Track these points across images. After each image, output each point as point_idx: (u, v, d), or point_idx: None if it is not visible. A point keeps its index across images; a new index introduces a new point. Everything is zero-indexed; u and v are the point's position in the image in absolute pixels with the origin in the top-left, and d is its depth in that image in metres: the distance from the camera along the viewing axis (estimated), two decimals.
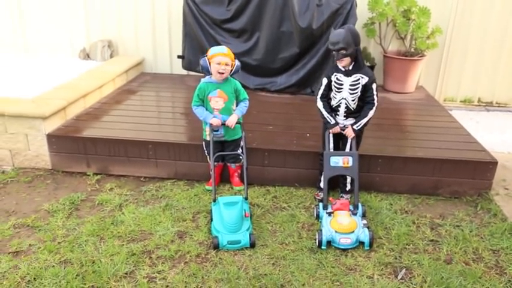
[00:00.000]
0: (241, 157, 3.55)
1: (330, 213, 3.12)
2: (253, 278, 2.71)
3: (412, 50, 5.64)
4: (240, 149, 3.58)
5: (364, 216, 3.23)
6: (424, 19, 5.35)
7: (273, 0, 5.09)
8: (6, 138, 3.99)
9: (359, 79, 3.17)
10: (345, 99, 3.24)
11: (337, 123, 3.31)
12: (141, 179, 3.94)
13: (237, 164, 3.72)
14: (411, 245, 3.08)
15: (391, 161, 3.74)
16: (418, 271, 2.80)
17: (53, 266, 2.80)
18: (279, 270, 2.79)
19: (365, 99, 3.25)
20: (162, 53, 6.19)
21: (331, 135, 3.36)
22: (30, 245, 3.02)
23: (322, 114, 3.32)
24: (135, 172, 3.96)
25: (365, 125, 3.29)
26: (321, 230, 3.00)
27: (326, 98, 3.31)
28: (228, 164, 3.75)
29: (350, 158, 3.26)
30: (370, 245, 2.97)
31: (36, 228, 3.21)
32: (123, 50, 6.25)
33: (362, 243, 3.00)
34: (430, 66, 6.01)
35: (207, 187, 3.71)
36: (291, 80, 5.35)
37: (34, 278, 2.69)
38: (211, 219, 3.13)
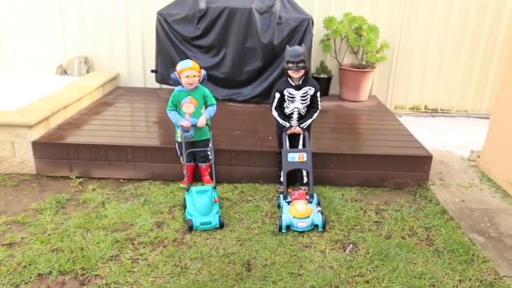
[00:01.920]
0: (209, 155, 4.01)
1: (288, 202, 3.59)
2: (223, 256, 3.16)
3: (364, 62, 6.29)
4: (209, 151, 4.03)
5: (318, 204, 3.74)
6: (373, 35, 6.01)
7: (237, 19, 5.62)
8: None
9: (307, 91, 3.74)
10: (297, 108, 3.81)
11: (291, 126, 3.84)
12: (121, 180, 4.34)
13: (207, 164, 4.16)
14: (358, 226, 3.60)
15: (343, 158, 4.29)
16: (362, 245, 3.32)
17: (45, 253, 3.16)
18: (245, 249, 3.25)
19: (311, 105, 3.83)
20: (136, 68, 6.63)
21: (287, 136, 3.85)
22: (22, 237, 3.36)
23: (278, 121, 3.86)
24: (115, 174, 4.35)
25: (310, 124, 3.87)
26: (280, 216, 3.48)
27: (279, 108, 3.85)
28: (199, 164, 4.19)
29: (304, 154, 3.76)
30: (323, 227, 3.45)
31: (26, 224, 3.55)
32: (99, 65, 6.65)
33: (316, 226, 3.49)
34: (381, 77, 6.69)
35: (181, 185, 4.15)
36: (256, 91, 5.88)
37: (29, 264, 3.04)
38: (185, 207, 3.63)
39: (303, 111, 3.85)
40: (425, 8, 6.38)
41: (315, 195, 3.73)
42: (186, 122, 3.86)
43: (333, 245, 3.32)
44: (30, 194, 4.07)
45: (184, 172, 3.87)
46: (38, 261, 3.07)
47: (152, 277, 2.93)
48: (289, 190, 3.78)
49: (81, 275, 2.96)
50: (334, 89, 6.50)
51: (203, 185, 4.18)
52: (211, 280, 2.90)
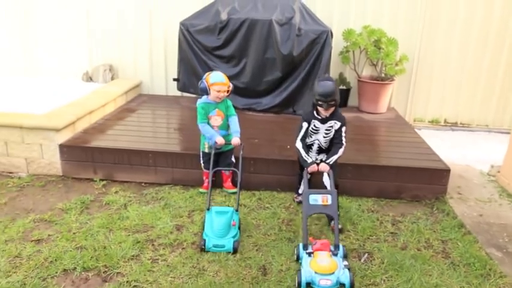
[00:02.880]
0: (233, 162, 4.10)
1: (309, 254, 3.02)
2: (239, 260, 3.24)
3: (383, 75, 6.34)
4: (233, 159, 4.15)
5: (345, 257, 3.12)
6: (392, 48, 6.07)
7: (258, 31, 5.76)
8: (23, 148, 4.51)
9: (332, 125, 3.54)
10: (318, 140, 3.62)
11: (313, 162, 3.51)
12: (142, 184, 4.47)
13: (230, 171, 4.25)
14: (374, 236, 3.64)
15: (360, 168, 4.34)
16: (377, 255, 3.36)
17: (70, 250, 3.29)
18: (262, 254, 3.33)
19: (335, 140, 3.60)
20: (158, 76, 6.82)
21: (307, 174, 3.52)
22: (49, 235, 3.51)
23: (301, 155, 3.56)
24: (137, 178, 4.49)
25: (335, 161, 3.57)
26: (300, 271, 2.92)
27: (304, 140, 3.60)
28: (223, 171, 4.27)
29: (329, 196, 3.22)
30: (351, 286, 2.85)
31: (53, 223, 3.70)
32: (123, 73, 6.87)
33: (342, 284, 2.87)
34: (400, 89, 6.72)
35: (201, 190, 4.25)
36: (275, 100, 5.98)
37: (55, 259, 3.18)
38: (204, 227, 3.45)
39: (323, 145, 3.65)
40: (446, 20, 6.41)
41: (341, 246, 3.13)
42: (221, 139, 3.88)
43: (348, 254, 3.37)
44: (57, 194, 4.23)
45: (209, 180, 3.75)
46: (64, 257, 3.21)
47: (171, 277, 3.03)
48: (311, 239, 3.20)
49: (103, 272, 3.08)
50: (353, 100, 6.56)
51: (222, 190, 4.27)
52: (228, 282, 2.98)
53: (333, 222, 3.48)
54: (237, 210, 3.54)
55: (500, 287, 3.03)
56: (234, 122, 4.07)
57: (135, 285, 2.95)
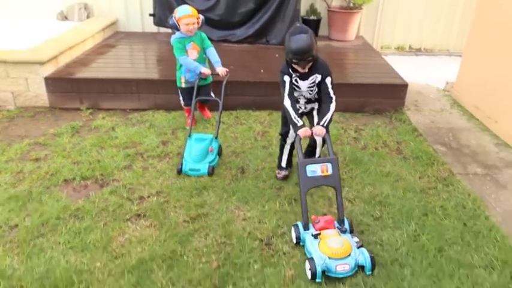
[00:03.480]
0: (218, 100, 3.87)
1: (316, 236, 2.58)
2: (221, 164, 3.69)
3: (351, 4, 6.62)
4: (212, 93, 4.20)
5: (351, 231, 2.75)
6: None
7: None
8: (9, 82, 4.74)
9: (314, 79, 3.01)
10: (303, 96, 3.13)
11: (304, 125, 2.94)
12: (127, 110, 4.81)
13: (206, 104, 4.46)
14: (338, 140, 4.13)
15: None
16: (341, 154, 3.85)
17: (68, 165, 3.68)
18: (240, 159, 3.78)
19: (322, 95, 3.05)
20: (134, 13, 6.93)
21: (299, 139, 2.91)
22: (46, 154, 3.87)
23: (290, 116, 2.95)
24: (122, 105, 4.81)
25: (330, 120, 2.99)
26: (312, 259, 2.46)
27: (293, 95, 3.03)
28: (200, 103, 4.46)
29: (329, 165, 2.73)
30: (372, 268, 2.47)
31: (47, 145, 4.05)
32: (98, 11, 6.95)
33: (361, 267, 2.50)
34: (368, 18, 7.04)
35: (187, 127, 4.27)
36: (248, 31, 6.25)
37: (55, 172, 3.56)
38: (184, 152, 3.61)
39: (312, 98, 3.16)
40: None
41: (346, 220, 2.76)
42: (207, 70, 3.92)
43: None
44: (47, 123, 4.54)
45: (190, 116, 3.93)
46: (62, 170, 3.59)
47: (161, 180, 3.47)
48: (313, 217, 2.71)
49: (100, 180, 3.49)
50: (323, 30, 6.86)
51: (203, 118, 4.55)
52: (212, 180, 3.44)
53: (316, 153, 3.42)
54: (216, 137, 3.68)
55: (440, 171, 3.59)
56: (213, 53, 4.07)
57: (130, 188, 3.38)
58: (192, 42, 3.97)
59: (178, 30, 3.92)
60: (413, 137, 4.20)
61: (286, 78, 3.01)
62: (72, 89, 4.77)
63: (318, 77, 3.01)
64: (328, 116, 2.96)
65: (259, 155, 3.83)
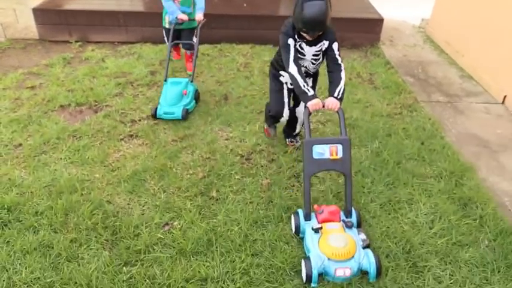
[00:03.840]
0: (194, 43, 3.90)
1: (317, 230, 2.26)
2: (206, 92, 3.98)
3: None
4: (194, 38, 3.99)
5: (359, 225, 2.42)
6: None
7: None
8: None
9: (321, 47, 2.60)
10: (305, 67, 2.72)
11: (316, 95, 2.51)
12: (115, 43, 4.99)
13: (191, 51, 4.16)
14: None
15: None
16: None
17: (63, 92, 3.93)
18: (223, 87, 4.07)
19: (329, 63, 2.63)
20: None
21: (308, 111, 2.47)
22: (40, 83, 4.11)
23: (298, 84, 2.50)
24: (110, 38, 4.99)
25: (344, 90, 2.57)
26: (308, 259, 2.16)
27: (298, 61, 2.57)
28: (184, 50, 4.33)
29: (339, 147, 2.34)
30: (377, 274, 2.14)
31: (41, 75, 4.27)
32: None
33: (365, 273, 2.18)
34: None
35: (174, 59, 4.48)
36: None
37: (51, 99, 3.82)
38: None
39: (311, 70, 2.80)
40: None
41: (354, 211, 2.44)
42: (184, 16, 3.85)
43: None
44: (38, 54, 4.72)
45: (169, 56, 3.89)
46: (58, 97, 3.85)
47: (151, 106, 3.76)
48: (316, 207, 2.41)
49: (94, 106, 3.77)
50: None
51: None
52: (197, 106, 3.75)
53: (289, 139, 3.18)
54: (191, 81, 3.71)
55: (407, 99, 3.94)
56: (202, 1, 3.94)
57: (122, 112, 3.67)
58: None
59: None
60: (385, 69, 4.51)
61: (291, 41, 2.53)
62: (60, 21, 4.90)
63: (325, 44, 2.59)
64: (341, 86, 2.53)
65: (241, 84, 4.12)
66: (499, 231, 2.51)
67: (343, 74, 2.59)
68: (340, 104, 2.51)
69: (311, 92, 2.50)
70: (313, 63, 2.72)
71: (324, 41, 2.59)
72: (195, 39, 4.00)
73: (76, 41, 4.98)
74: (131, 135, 3.38)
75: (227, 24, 4.93)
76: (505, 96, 3.91)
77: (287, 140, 3.25)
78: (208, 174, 2.96)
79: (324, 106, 2.49)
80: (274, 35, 4.51)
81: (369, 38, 5.07)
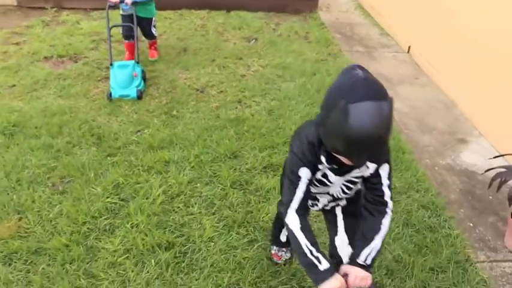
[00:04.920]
0: (154, 32, 4.20)
1: None
2: (167, 46, 4.78)
3: None
4: (153, 28, 4.28)
5: None
6: None
7: None
8: None
9: (362, 172, 1.56)
10: (329, 193, 1.72)
11: (333, 270, 1.46)
12: (88, 9, 5.68)
13: (153, 40, 4.43)
14: (260, 31, 5.29)
15: None
16: (261, 40, 5.04)
17: (45, 47, 4.63)
18: (183, 42, 4.88)
19: (369, 198, 1.60)
20: None
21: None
22: (24, 40, 4.79)
23: (299, 244, 1.48)
24: (83, 5, 5.67)
25: (378, 252, 1.56)
26: None
27: (305, 205, 1.54)
28: (148, 41, 4.47)
29: None
30: None
31: (24, 34, 4.94)
32: None
33: None
34: None
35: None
36: None
37: (35, 52, 4.51)
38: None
39: (341, 196, 1.72)
40: None
41: None
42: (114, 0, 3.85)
43: (241, 40, 5.02)
44: (18, 18, 5.37)
45: (109, 46, 3.93)
46: (41, 51, 4.55)
47: (121, 57, 4.50)
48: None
49: (74, 57, 4.51)
50: None
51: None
52: (160, 56, 4.54)
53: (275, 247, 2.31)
54: (137, 62, 3.88)
55: (333, 50, 4.88)
56: None
57: (98, 61, 4.42)
58: None
59: None
60: (319, 29, 5.43)
61: (305, 173, 1.50)
62: None
63: (369, 168, 1.54)
64: (377, 244, 1.55)
65: (198, 40, 4.94)
66: None
67: (386, 221, 1.58)
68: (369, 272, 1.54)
69: (324, 265, 1.45)
70: (344, 193, 1.69)
71: (368, 164, 1.52)
72: (153, 30, 4.26)
73: (51, 7, 5.64)
74: (106, 78, 4.14)
75: None
76: (409, 47, 4.90)
77: (272, 248, 2.34)
78: (171, 101, 3.78)
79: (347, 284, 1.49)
80: (226, 2, 5.41)
81: (308, 5, 5.97)
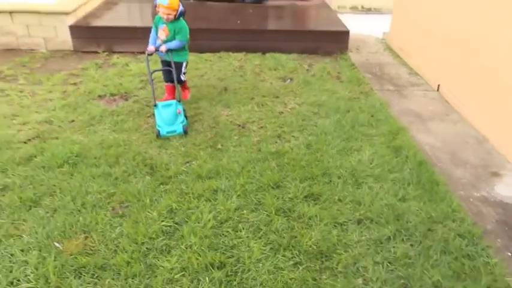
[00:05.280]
0: (182, 78, 4.44)
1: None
2: (209, 86, 5.14)
3: None
4: (183, 75, 4.49)
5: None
6: None
7: None
8: (41, 29, 6.03)
9: None
10: None
11: None
12: (135, 53, 6.18)
13: (182, 85, 4.67)
14: (295, 71, 5.62)
15: (289, 34, 6.21)
16: (296, 79, 5.36)
17: (99, 87, 5.07)
18: (223, 82, 5.24)
19: None
20: None
21: None
22: (80, 81, 5.26)
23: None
24: (131, 49, 6.17)
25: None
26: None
27: None
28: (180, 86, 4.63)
29: None
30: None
31: (80, 75, 5.43)
32: None
33: None
34: None
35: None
36: None
37: (91, 91, 4.95)
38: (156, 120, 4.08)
39: None
40: None
41: None
42: (151, 48, 4.26)
43: (277, 80, 5.35)
44: (74, 61, 5.89)
45: (152, 89, 4.23)
46: (96, 90, 4.99)
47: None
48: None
49: (124, 95, 4.92)
50: None
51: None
52: (203, 94, 4.91)
53: None
54: (179, 101, 4.17)
55: (364, 88, 5.14)
56: (175, 41, 4.25)
57: (146, 99, 4.81)
58: (164, 25, 4.25)
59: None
60: (350, 69, 5.73)
61: None
62: (91, 35, 6.10)
63: None
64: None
65: (237, 80, 5.30)
66: (418, 163, 3.64)
67: None
68: None
69: None
70: None
71: None
72: (182, 76, 4.47)
73: (103, 51, 6.16)
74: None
75: (225, 37, 6.15)
76: (438, 85, 5.12)
77: None
78: (215, 136, 4.08)
79: None
80: (262, 45, 5.82)
81: (339, 47, 6.31)
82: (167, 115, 4.06)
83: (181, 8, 4.13)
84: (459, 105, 4.63)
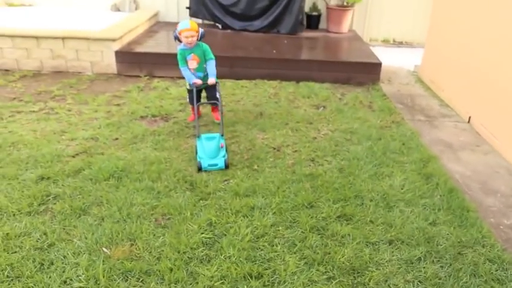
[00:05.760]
0: (218, 98, 4.57)
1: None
2: (245, 110, 5.38)
3: (345, 3, 8.30)
4: (217, 93, 4.63)
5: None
6: None
7: None
8: (89, 54, 6.47)
9: None
10: None
11: None
12: (175, 78, 6.51)
13: (216, 106, 4.84)
14: (328, 100, 5.81)
15: (322, 63, 6.45)
16: (329, 107, 5.54)
17: (141, 108, 5.38)
18: (258, 108, 5.47)
19: None
20: (172, 6, 8.66)
21: None
22: (123, 102, 5.59)
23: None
24: (171, 74, 6.50)
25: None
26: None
27: None
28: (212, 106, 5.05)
29: None
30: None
31: (123, 97, 5.77)
32: (143, 4, 8.68)
33: None
34: (359, 15, 8.71)
35: (188, 121, 4.96)
36: (263, 23, 7.95)
37: (133, 112, 5.26)
38: (196, 151, 4.13)
39: None
40: None
41: None
42: (198, 81, 4.47)
43: (310, 107, 5.55)
44: (118, 84, 6.27)
45: (194, 114, 4.56)
46: (138, 111, 5.30)
47: (206, 118, 5.15)
48: None
49: (165, 117, 5.19)
50: (323, 24, 8.54)
51: (213, 121, 5.07)
52: (239, 119, 5.14)
53: None
54: (222, 135, 4.24)
55: (396, 118, 5.27)
56: (211, 65, 4.49)
57: (185, 122, 5.06)
58: (192, 54, 4.46)
59: (180, 42, 4.43)
60: (382, 99, 5.88)
61: None
62: (133, 60, 6.49)
63: None
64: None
65: (272, 106, 5.53)
66: (448, 190, 3.72)
67: None
68: None
69: None
70: None
71: None
72: (217, 95, 4.62)
73: (145, 75, 6.53)
74: (194, 135, 4.74)
75: (260, 65, 6.43)
76: (469, 117, 5.20)
77: None
78: (251, 157, 4.27)
79: None
80: (296, 74, 6.06)
81: (371, 78, 6.49)
82: (210, 148, 4.05)
83: (201, 30, 4.39)
84: (490, 137, 4.69)
